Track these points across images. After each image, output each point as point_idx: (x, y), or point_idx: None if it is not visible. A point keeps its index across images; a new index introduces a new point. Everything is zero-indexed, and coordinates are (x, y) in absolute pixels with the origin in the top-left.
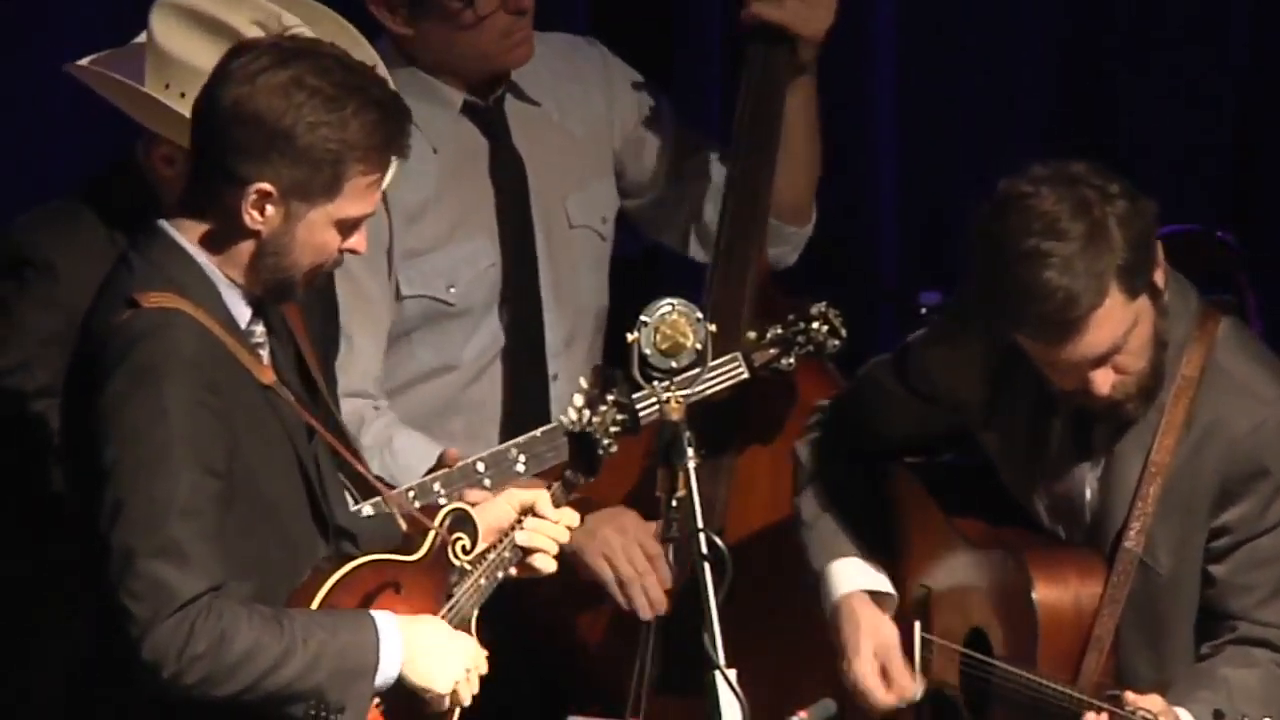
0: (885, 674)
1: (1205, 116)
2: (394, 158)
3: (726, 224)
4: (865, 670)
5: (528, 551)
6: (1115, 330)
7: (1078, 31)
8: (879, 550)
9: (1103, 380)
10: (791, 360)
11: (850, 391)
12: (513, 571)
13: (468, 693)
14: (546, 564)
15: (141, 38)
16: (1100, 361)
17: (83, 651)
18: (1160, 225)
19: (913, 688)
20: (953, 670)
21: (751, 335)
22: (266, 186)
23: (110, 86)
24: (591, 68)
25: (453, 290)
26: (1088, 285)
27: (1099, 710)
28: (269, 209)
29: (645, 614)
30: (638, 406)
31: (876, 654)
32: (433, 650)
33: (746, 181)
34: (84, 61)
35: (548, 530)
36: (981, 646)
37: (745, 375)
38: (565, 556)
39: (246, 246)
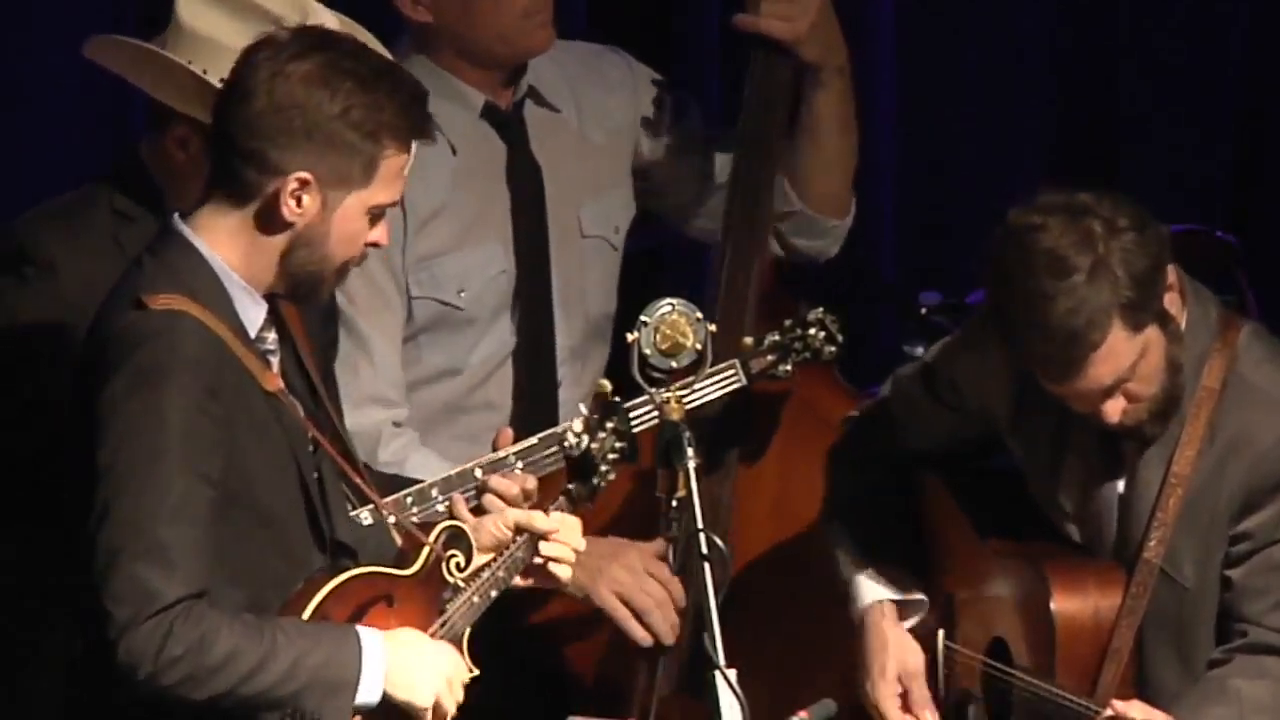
0: (905, 699)
1: (1206, 116)
2: (417, 141)
3: (731, 229)
4: (886, 693)
5: (531, 568)
6: (1119, 364)
7: (1078, 31)
8: (907, 558)
9: (1113, 409)
10: (789, 367)
11: (879, 403)
12: (519, 580)
13: (450, 702)
14: (563, 571)
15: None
16: (1108, 393)
17: (78, 653)
18: (1170, 241)
19: (930, 717)
20: (975, 678)
21: (748, 342)
22: (306, 175)
23: (131, 57)
24: (618, 76)
25: (463, 295)
26: (1089, 323)
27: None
28: (306, 199)
29: (668, 640)
30: (636, 409)
31: (900, 678)
32: (412, 663)
33: (748, 185)
34: (98, 39)
35: (564, 539)
36: (1002, 655)
37: (743, 383)
38: (580, 605)
39: (278, 241)
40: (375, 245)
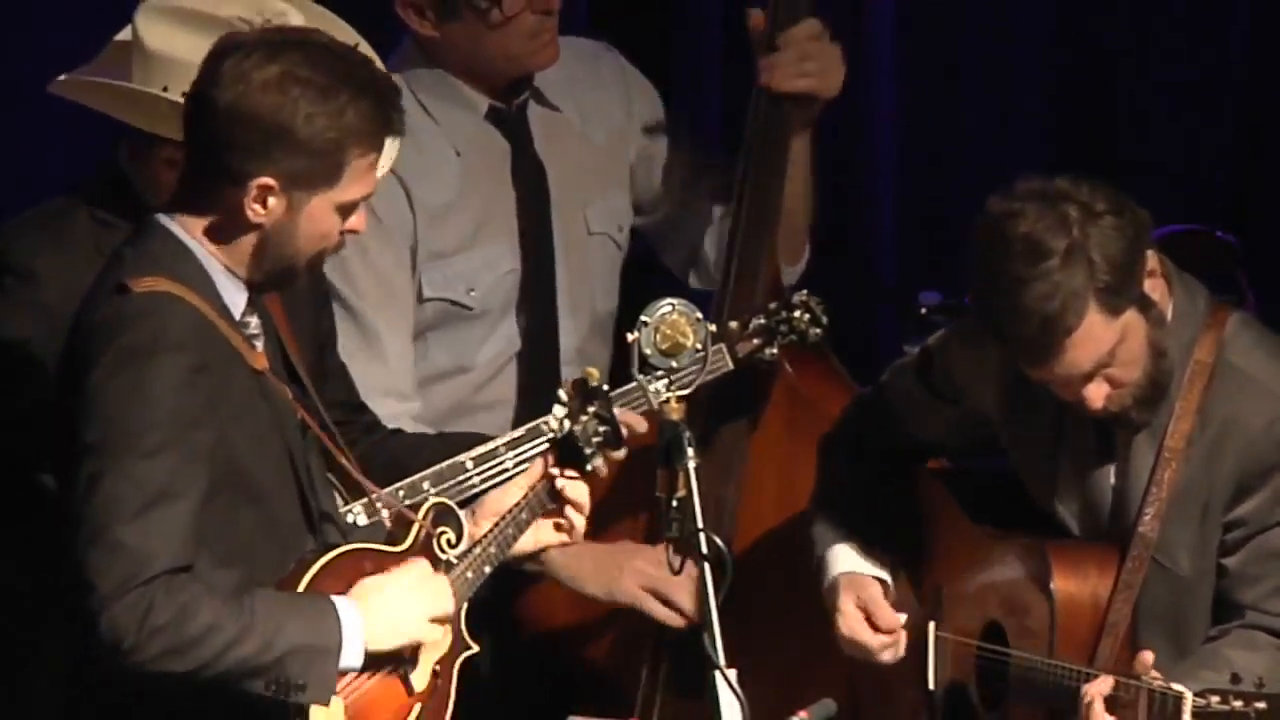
0: (870, 620)
1: (1206, 116)
2: (390, 137)
3: (730, 283)
4: (851, 623)
5: (553, 507)
6: (1098, 348)
7: (1078, 30)
8: (881, 541)
9: (1095, 394)
10: (775, 350)
11: (874, 393)
12: (527, 544)
13: (438, 630)
14: (579, 520)
15: (110, 48)
16: (1088, 377)
17: (78, 653)
18: (1155, 231)
19: (896, 621)
20: (968, 667)
21: (734, 326)
22: (268, 181)
23: (105, 95)
24: (611, 75)
25: (472, 294)
26: (1064, 307)
27: (1101, 678)
28: (271, 201)
29: (695, 617)
30: (621, 398)
31: (858, 604)
32: (387, 615)
33: (750, 237)
34: (63, 78)
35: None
36: (997, 639)
37: (730, 366)
38: (607, 605)
39: (248, 241)
40: (352, 232)
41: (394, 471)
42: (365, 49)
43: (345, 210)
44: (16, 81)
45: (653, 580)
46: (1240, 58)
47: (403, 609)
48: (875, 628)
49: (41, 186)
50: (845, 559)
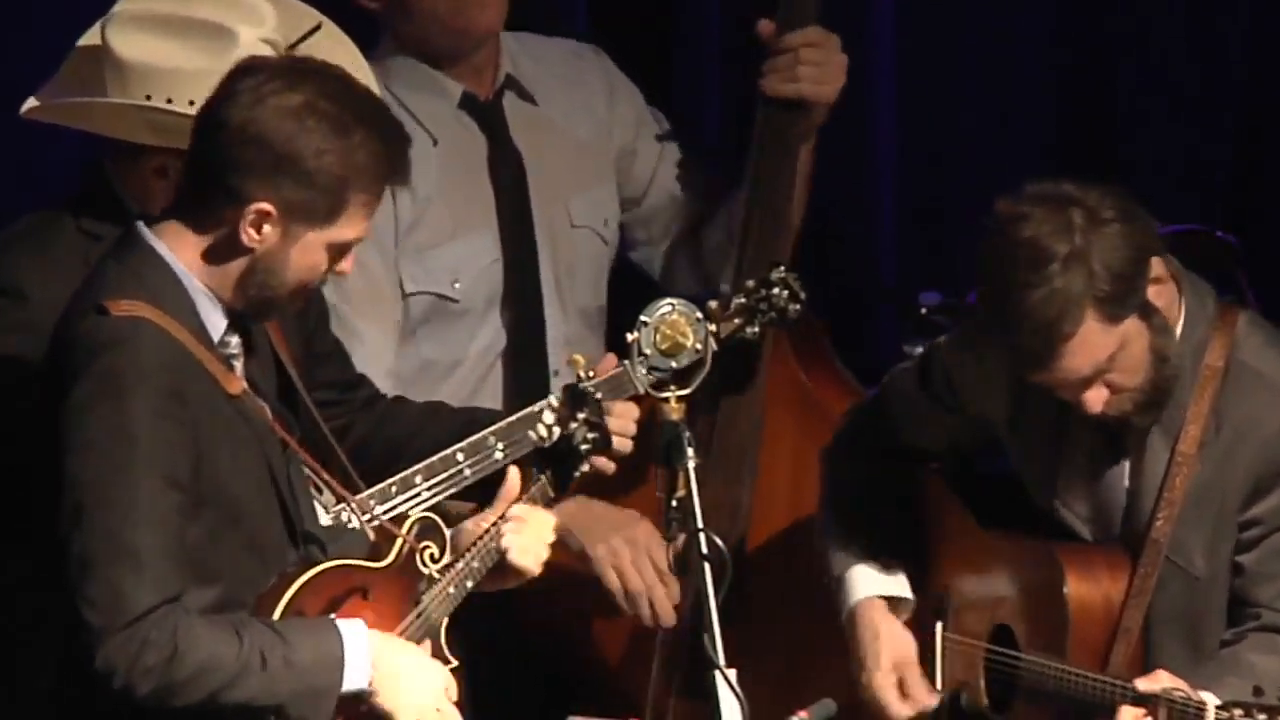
0: (902, 686)
1: (1206, 116)
2: (392, 185)
3: (743, 277)
4: (883, 682)
5: (504, 557)
6: (1095, 355)
7: (1078, 30)
8: (898, 555)
9: (1094, 399)
10: (756, 329)
11: (875, 399)
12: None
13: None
14: (526, 560)
15: (70, 63)
16: (1087, 383)
17: (71, 652)
18: (1158, 235)
19: (929, 701)
20: (975, 670)
21: (714, 306)
22: (267, 206)
23: (82, 113)
24: (594, 74)
25: (457, 285)
26: (1060, 315)
27: (1139, 703)
28: (266, 228)
29: (648, 622)
30: (603, 387)
31: (895, 667)
32: (402, 676)
33: (761, 246)
34: (32, 103)
35: (529, 528)
36: (1006, 643)
37: (714, 348)
38: (575, 562)
39: (236, 264)
40: (339, 274)
41: (390, 457)
42: (330, 29)
43: (335, 250)
44: (16, 81)
45: (623, 564)
46: (1240, 58)
47: (417, 693)
48: (905, 696)
49: (42, 187)
50: (865, 581)
